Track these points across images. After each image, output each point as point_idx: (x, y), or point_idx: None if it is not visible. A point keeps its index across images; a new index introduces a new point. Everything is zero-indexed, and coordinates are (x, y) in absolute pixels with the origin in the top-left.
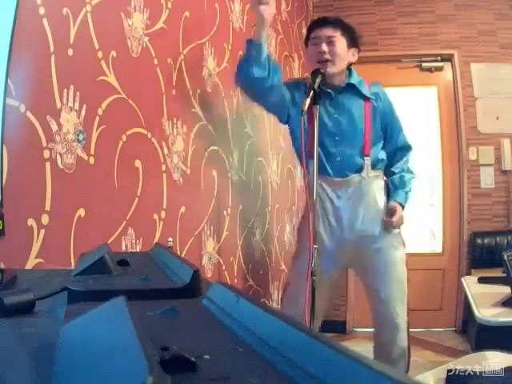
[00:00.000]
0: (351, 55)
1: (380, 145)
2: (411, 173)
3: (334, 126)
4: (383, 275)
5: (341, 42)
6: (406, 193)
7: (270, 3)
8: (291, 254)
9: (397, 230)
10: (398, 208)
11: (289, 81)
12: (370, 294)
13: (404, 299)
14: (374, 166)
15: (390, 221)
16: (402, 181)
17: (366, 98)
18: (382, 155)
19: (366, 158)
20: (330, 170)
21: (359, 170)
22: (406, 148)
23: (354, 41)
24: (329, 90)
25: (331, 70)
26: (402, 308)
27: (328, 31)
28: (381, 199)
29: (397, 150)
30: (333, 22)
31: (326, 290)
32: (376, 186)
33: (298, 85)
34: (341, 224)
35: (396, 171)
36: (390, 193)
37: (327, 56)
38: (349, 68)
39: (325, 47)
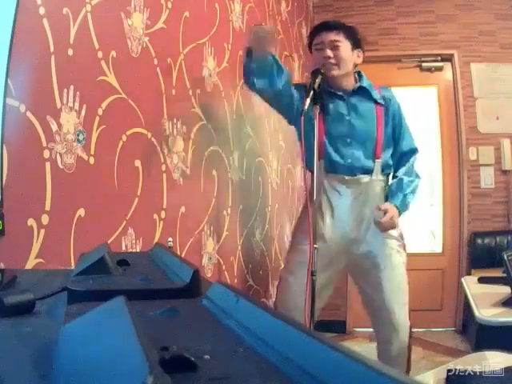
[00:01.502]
0: (356, 57)
1: (391, 149)
2: (415, 176)
3: (346, 128)
4: (381, 279)
5: (344, 45)
6: (404, 195)
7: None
8: None
9: (395, 233)
10: (391, 209)
11: (301, 83)
12: (368, 298)
13: (404, 300)
14: (383, 170)
15: (378, 221)
16: (400, 184)
17: (377, 102)
18: (391, 160)
19: (376, 161)
20: (340, 170)
21: (369, 172)
22: (413, 151)
23: (357, 42)
24: (340, 93)
25: (336, 72)
26: (401, 308)
27: (331, 35)
28: (381, 203)
29: (403, 154)
30: (335, 26)
31: (320, 289)
32: (380, 189)
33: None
34: (347, 222)
35: (398, 175)
36: (388, 196)
37: (332, 61)
38: (359, 72)
39: (329, 52)
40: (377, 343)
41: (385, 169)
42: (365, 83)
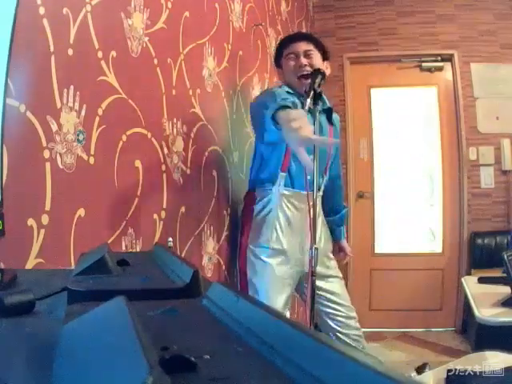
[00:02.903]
0: (325, 68)
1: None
2: (344, 206)
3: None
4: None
5: (317, 55)
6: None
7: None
8: None
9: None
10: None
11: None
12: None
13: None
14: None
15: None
16: (342, 218)
17: (331, 124)
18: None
19: (325, 179)
20: (297, 185)
21: (319, 187)
22: (340, 177)
23: (326, 54)
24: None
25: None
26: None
27: (304, 45)
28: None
29: (336, 176)
30: (306, 37)
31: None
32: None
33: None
34: (299, 238)
35: (339, 209)
36: (333, 230)
37: (308, 68)
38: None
39: (305, 60)
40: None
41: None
42: (328, 104)
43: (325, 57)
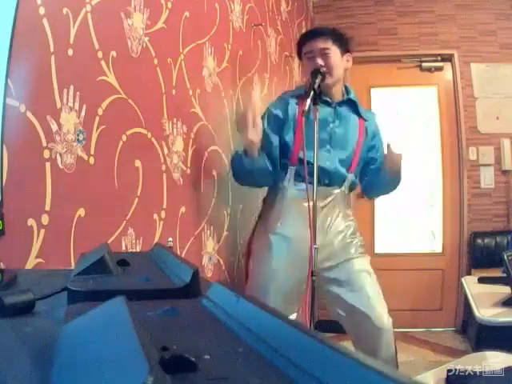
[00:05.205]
0: (346, 61)
1: (360, 167)
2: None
3: (327, 135)
4: (349, 285)
5: (334, 51)
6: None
7: (256, 127)
8: None
9: (360, 239)
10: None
11: (275, 105)
12: (340, 305)
13: (381, 300)
14: (350, 185)
15: (397, 154)
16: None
17: (361, 116)
18: (356, 178)
19: (349, 175)
20: (313, 178)
21: (340, 183)
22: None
23: (345, 46)
24: (327, 99)
25: (329, 81)
26: (382, 310)
27: (320, 43)
28: (349, 212)
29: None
30: (323, 33)
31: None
32: (347, 200)
33: (283, 103)
34: (315, 232)
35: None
36: (372, 182)
37: (324, 69)
38: (346, 87)
39: (320, 61)
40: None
41: (352, 185)
42: (353, 97)
43: (345, 50)
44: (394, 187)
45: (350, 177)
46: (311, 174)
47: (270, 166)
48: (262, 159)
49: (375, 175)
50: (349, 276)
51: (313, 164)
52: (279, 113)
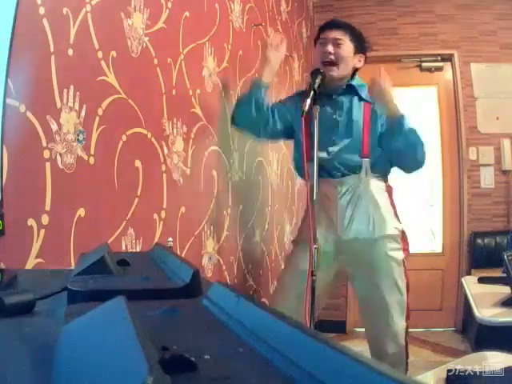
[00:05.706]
0: (357, 61)
1: (378, 150)
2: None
3: (331, 127)
4: (377, 280)
5: (347, 45)
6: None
7: (281, 51)
8: None
9: (396, 232)
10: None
11: (287, 99)
12: (363, 299)
13: (402, 304)
14: (373, 168)
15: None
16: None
17: (365, 101)
18: (383, 158)
19: (364, 160)
20: (326, 171)
21: (357, 170)
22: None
23: (361, 47)
24: (328, 92)
25: (333, 73)
26: (398, 313)
27: (336, 33)
28: (381, 200)
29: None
30: (342, 26)
31: (322, 288)
32: (375, 187)
33: (293, 101)
34: (337, 224)
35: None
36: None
37: (332, 57)
38: (353, 73)
39: (330, 48)
40: (371, 346)
41: (375, 166)
42: (354, 82)
43: (359, 50)
44: (413, 140)
45: (366, 162)
46: (324, 170)
47: (271, 114)
48: (266, 101)
49: (387, 142)
50: (377, 262)
51: (323, 160)
52: (288, 105)
